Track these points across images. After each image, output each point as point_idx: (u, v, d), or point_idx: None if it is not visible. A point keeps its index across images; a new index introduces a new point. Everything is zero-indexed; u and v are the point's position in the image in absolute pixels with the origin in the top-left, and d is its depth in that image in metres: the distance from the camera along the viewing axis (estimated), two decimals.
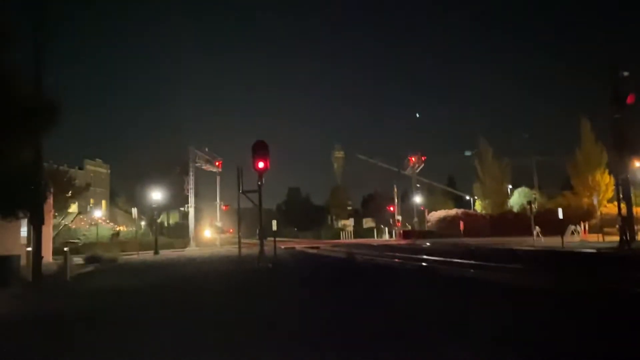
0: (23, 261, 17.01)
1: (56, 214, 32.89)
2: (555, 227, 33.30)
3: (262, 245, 21.66)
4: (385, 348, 5.70)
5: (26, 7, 16.14)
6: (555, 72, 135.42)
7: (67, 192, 35.71)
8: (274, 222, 33.65)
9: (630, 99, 25.08)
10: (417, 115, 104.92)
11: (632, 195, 28.00)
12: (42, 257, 16.27)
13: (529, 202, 36.37)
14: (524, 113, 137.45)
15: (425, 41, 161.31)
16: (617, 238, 26.26)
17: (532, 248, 26.78)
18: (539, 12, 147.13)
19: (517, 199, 55.73)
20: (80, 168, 60.57)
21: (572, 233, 36.63)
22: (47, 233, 24.58)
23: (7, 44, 13.81)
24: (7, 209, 15.98)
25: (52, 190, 24.77)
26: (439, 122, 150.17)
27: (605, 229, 33.54)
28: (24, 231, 22.27)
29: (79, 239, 38.30)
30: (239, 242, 29.69)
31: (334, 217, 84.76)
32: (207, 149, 54.39)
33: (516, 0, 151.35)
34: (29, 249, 16.85)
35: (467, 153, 62.77)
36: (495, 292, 10.28)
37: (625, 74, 25.72)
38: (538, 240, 32.81)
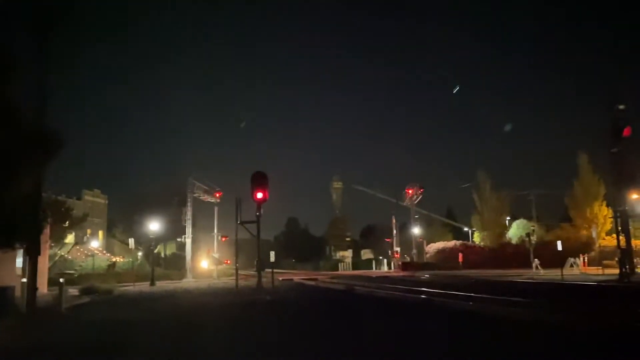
0: (18, 292, 16.80)
1: (53, 244, 32.70)
2: (554, 259, 33.22)
3: (260, 277, 21.52)
4: None
5: (29, 40, 16.37)
6: (553, 105, 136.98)
7: (65, 223, 35.62)
8: (272, 254, 33.46)
9: (626, 132, 25.36)
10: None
11: (630, 227, 28.01)
12: (37, 289, 16.07)
13: (528, 234, 36.39)
14: (523, 145, 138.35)
15: (425, 71, 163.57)
16: (616, 271, 26.14)
17: (532, 281, 26.60)
18: (536, 45, 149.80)
19: (515, 230, 55.64)
20: (79, 198, 60.43)
21: (572, 265, 36.48)
22: (43, 264, 24.35)
23: (9, 76, 13.96)
24: (4, 239, 15.87)
25: (49, 220, 24.69)
26: (438, 153, 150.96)
27: (605, 262, 33.42)
28: (19, 262, 22.06)
29: (75, 270, 37.96)
30: (237, 274, 29.45)
31: (332, 248, 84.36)
32: (205, 180, 54.45)
33: (515, 34, 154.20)
34: (24, 279, 16.65)
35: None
36: (497, 326, 10.17)
37: (622, 107, 26.07)
38: (537, 272, 32.66)
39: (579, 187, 51.51)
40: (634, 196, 30.35)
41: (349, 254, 72.53)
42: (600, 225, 47.69)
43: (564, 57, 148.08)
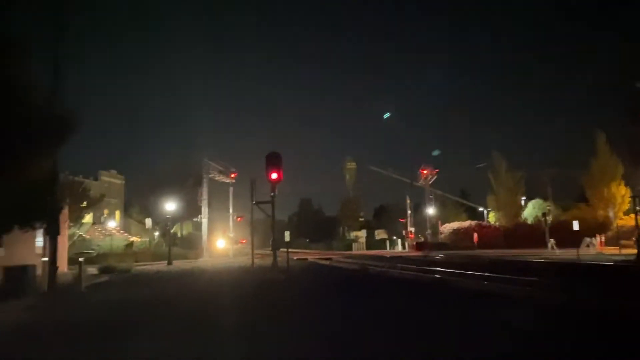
0: (38, 271, 17.17)
1: (71, 224, 33.25)
2: (569, 239, 32.96)
3: (275, 256, 21.69)
4: None
5: (46, 19, 16.43)
6: (571, 84, 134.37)
7: (82, 203, 36.13)
8: (287, 233, 33.68)
9: None
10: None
11: None
12: (57, 268, 16.43)
13: (544, 214, 36.14)
14: (539, 124, 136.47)
15: (441, 52, 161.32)
16: (634, 250, 25.90)
17: (547, 260, 26.48)
18: (554, 25, 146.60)
19: (531, 210, 55.23)
20: (96, 179, 61.15)
21: (588, 245, 36.21)
22: (62, 243, 24.83)
23: (25, 56, 14.06)
24: (24, 219, 16.18)
25: (67, 201, 25.09)
26: (454, 134, 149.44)
27: (622, 242, 33.09)
28: (39, 241, 22.52)
29: (93, 249, 38.64)
30: (252, 253, 29.72)
31: (345, 229, 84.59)
32: (220, 161, 54.75)
33: (532, 14, 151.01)
34: (45, 259, 17.00)
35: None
36: (512, 306, 10.16)
37: None
38: (553, 252, 32.49)
39: (596, 167, 50.72)
40: None
41: (362, 233, 72.64)
42: (617, 205, 47.12)
43: (581, 33, 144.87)
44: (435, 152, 71.18)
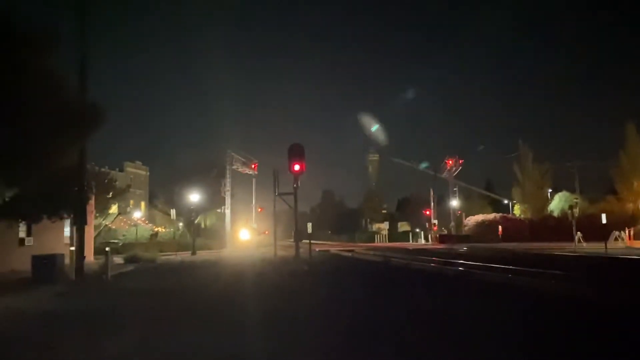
0: (66, 260, 17.54)
1: (97, 214, 33.84)
2: (598, 233, 32.23)
3: (297, 247, 21.76)
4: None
5: (73, 13, 16.65)
6: (602, 75, 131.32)
7: (108, 194, 36.72)
8: (309, 225, 33.74)
9: None
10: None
11: None
12: (84, 257, 16.76)
13: (571, 207, 35.39)
14: (568, 115, 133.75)
15: (468, 44, 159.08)
16: None
17: (574, 254, 25.98)
18: (583, 14, 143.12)
19: (557, 203, 54.23)
20: (121, 170, 62.15)
21: (616, 239, 35.42)
22: (89, 233, 25.31)
23: (53, 49, 14.29)
24: (52, 210, 16.53)
25: (94, 191, 25.54)
26: (478, 126, 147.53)
27: None
28: (66, 231, 23.01)
29: (119, 239, 39.29)
30: (275, 244, 29.88)
31: (368, 221, 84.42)
32: (243, 152, 55.09)
33: (559, 4, 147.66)
34: (72, 248, 17.35)
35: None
36: (536, 301, 10.00)
37: None
38: (580, 245, 31.87)
39: (625, 158, 49.48)
40: None
41: (385, 225, 72.33)
42: None
43: (610, 23, 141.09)
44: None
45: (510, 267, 16.79)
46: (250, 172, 56.83)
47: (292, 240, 25.42)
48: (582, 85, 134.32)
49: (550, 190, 57.60)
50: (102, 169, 41.46)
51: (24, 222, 20.08)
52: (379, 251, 35.41)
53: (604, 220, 32.94)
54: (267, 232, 59.92)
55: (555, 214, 53.08)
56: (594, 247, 29.28)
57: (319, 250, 35.49)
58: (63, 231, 23.39)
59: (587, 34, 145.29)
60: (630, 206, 47.00)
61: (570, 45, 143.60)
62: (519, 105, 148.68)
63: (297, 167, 19.95)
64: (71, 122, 14.13)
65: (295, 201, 21.36)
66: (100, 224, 37.43)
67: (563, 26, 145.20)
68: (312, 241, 27.29)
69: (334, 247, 46.74)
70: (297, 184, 20.76)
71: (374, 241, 65.76)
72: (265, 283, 14.83)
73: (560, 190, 56.56)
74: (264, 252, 36.98)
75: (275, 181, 25.10)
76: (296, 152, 20.17)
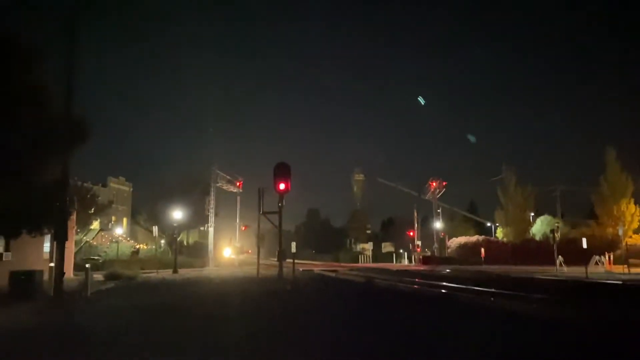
0: (45, 276, 17.23)
1: (78, 230, 33.39)
2: (578, 257, 32.62)
3: (281, 267, 21.64)
4: None
5: (57, 28, 16.62)
6: (582, 99, 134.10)
7: (90, 209, 36.31)
8: (293, 244, 33.61)
9: None
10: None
11: None
12: (64, 273, 16.47)
13: (552, 231, 35.78)
14: (550, 140, 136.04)
15: (449, 67, 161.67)
16: None
17: (555, 278, 26.20)
18: (564, 38, 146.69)
19: (539, 227, 54.79)
20: (104, 185, 61.55)
21: (596, 263, 35.84)
22: (69, 249, 24.92)
23: (37, 63, 14.24)
24: (32, 224, 16.28)
25: (76, 206, 25.24)
26: (462, 149, 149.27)
27: (631, 260, 32.73)
28: (46, 246, 22.64)
29: (99, 255, 38.72)
30: (258, 263, 29.67)
31: (352, 240, 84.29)
32: (228, 170, 54.99)
33: (542, 27, 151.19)
34: (52, 264, 17.07)
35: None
36: (518, 324, 10.06)
37: None
38: (561, 269, 32.17)
39: (606, 184, 50.37)
40: None
41: (369, 246, 72.29)
42: (627, 224, 46.67)
43: (593, 50, 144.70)
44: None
45: (492, 290, 16.89)
46: (235, 190, 56.65)
47: (276, 259, 25.30)
48: (564, 112, 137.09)
49: (532, 214, 58.25)
50: (85, 184, 41.02)
51: (2, 237, 19.72)
52: (363, 272, 35.34)
53: (584, 245, 33.37)
54: (250, 251, 59.57)
55: (537, 237, 53.60)
56: (574, 271, 29.57)
57: (303, 270, 35.31)
58: (42, 246, 23.00)
59: (570, 60, 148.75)
60: (610, 231, 47.66)
61: (554, 72, 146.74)
62: (504, 129, 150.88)
63: (282, 186, 19.96)
64: (55, 137, 14.02)
65: (280, 220, 21.31)
66: (81, 240, 36.90)
67: (547, 50, 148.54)
68: (296, 261, 27.16)
69: (318, 267, 46.54)
70: (282, 203, 20.74)
71: (357, 261, 65.62)
72: (247, 304, 14.71)
73: (543, 214, 57.22)
74: (247, 270, 36.66)
75: (260, 199, 25.02)
76: (282, 171, 20.21)
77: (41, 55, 14.40)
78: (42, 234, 18.57)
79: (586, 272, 27.30)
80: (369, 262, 64.16)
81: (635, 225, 46.10)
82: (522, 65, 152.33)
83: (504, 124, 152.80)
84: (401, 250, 65.50)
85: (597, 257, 36.35)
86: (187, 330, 9.31)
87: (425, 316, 11.37)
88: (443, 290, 18.34)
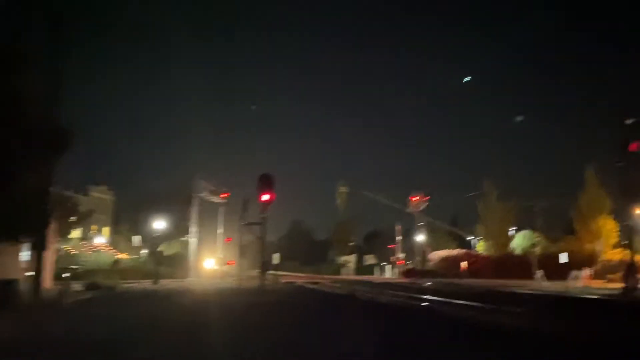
0: (22, 286, 16.97)
1: (58, 239, 32.92)
2: (558, 271, 33.08)
3: (263, 279, 21.57)
4: None
5: (42, 36, 16.55)
6: (562, 116, 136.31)
7: (71, 218, 35.85)
8: (276, 256, 33.56)
9: (633, 147, 25.27)
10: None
11: (635, 242, 27.90)
12: (42, 283, 16.26)
13: (533, 245, 36.29)
14: (530, 156, 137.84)
15: (432, 80, 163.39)
16: (620, 285, 26.04)
17: (534, 292, 26.49)
18: (544, 54, 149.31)
19: (520, 241, 55.37)
20: (85, 194, 60.72)
21: (576, 277, 36.36)
22: (49, 258, 24.53)
23: (20, 71, 14.16)
24: (12, 233, 16.07)
25: (56, 215, 24.92)
26: (445, 163, 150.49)
27: (609, 275, 33.27)
28: (24, 255, 22.27)
29: (79, 265, 38.20)
30: (240, 275, 29.55)
31: (335, 252, 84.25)
32: (212, 180, 54.75)
33: (522, 42, 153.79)
34: (29, 273, 16.83)
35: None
36: (498, 337, 10.18)
37: (629, 121, 26.03)
38: (541, 283, 32.56)
39: (584, 200, 51.22)
40: (639, 211, 30.21)
41: (352, 258, 72.46)
42: (605, 239, 47.44)
43: (572, 68, 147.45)
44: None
45: (473, 303, 17.05)
46: (219, 201, 56.39)
47: (259, 270, 25.25)
48: (545, 130, 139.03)
49: (513, 228, 58.88)
50: (66, 192, 40.52)
51: None
52: (345, 284, 35.35)
53: (563, 260, 33.87)
54: (232, 262, 59.17)
55: (518, 251, 54.15)
56: (554, 286, 29.93)
57: (285, 282, 35.20)
58: (19, 255, 22.62)
59: (550, 78, 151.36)
60: (588, 246, 48.38)
61: (533, 83, 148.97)
62: (485, 145, 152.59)
63: (266, 197, 19.95)
64: (36, 145, 13.92)
65: (263, 231, 21.30)
66: (60, 249, 36.37)
67: (527, 66, 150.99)
68: (278, 272, 27.13)
69: (301, 278, 46.41)
70: (265, 214, 20.73)
71: (340, 273, 65.63)
72: (226, 316, 14.63)
73: (523, 228, 57.85)
74: (229, 282, 36.41)
75: (243, 210, 25.00)
76: (266, 182, 20.20)
77: (23, 62, 14.32)
78: (21, 243, 18.33)
79: (565, 287, 27.67)
80: (352, 275, 64.22)
81: (612, 240, 46.87)
82: (501, 78, 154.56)
83: (485, 139, 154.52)
84: (384, 263, 65.71)
85: (575, 272, 36.90)
86: (166, 343, 9.26)
87: (405, 330, 11.43)
88: (424, 304, 18.46)
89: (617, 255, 40.82)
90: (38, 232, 16.06)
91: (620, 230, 44.85)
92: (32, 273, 16.37)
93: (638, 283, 26.17)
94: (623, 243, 27.58)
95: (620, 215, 28.13)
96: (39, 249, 16.17)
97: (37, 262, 16.08)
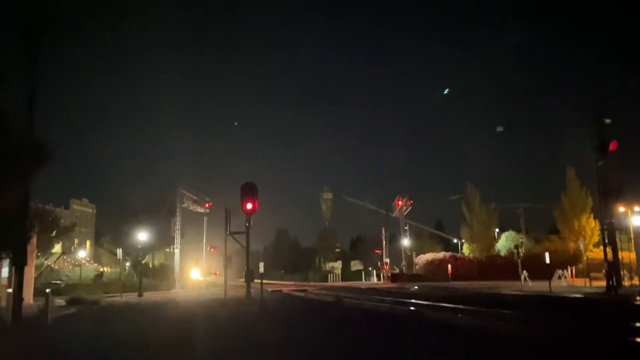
0: (2, 302, 16.63)
1: (39, 254, 32.36)
2: (542, 271, 33.33)
3: (248, 288, 21.39)
4: None
5: (17, 49, 16.29)
6: (542, 117, 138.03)
7: (52, 232, 35.24)
8: (261, 264, 33.31)
9: (612, 146, 25.67)
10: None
11: (617, 240, 28.27)
12: (22, 299, 15.91)
13: (516, 247, 36.57)
14: (512, 158, 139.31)
15: (416, 86, 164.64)
16: (604, 283, 26.35)
17: (520, 293, 26.71)
18: (522, 57, 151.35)
19: (504, 242, 55.82)
20: (66, 207, 59.95)
21: (559, 277, 36.72)
22: (29, 274, 24.11)
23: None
24: None
25: (36, 230, 24.50)
26: (427, 166, 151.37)
27: (592, 274, 33.65)
28: (4, 272, 21.83)
29: (61, 280, 37.61)
30: (225, 285, 29.30)
31: (321, 259, 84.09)
32: (195, 190, 54.38)
33: (501, 45, 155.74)
34: (10, 290, 16.48)
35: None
36: (485, 341, 10.22)
37: (608, 121, 26.43)
38: (526, 284, 32.79)
39: (566, 200, 51.97)
40: (621, 209, 30.68)
41: (338, 265, 72.28)
42: (587, 238, 48.06)
43: (550, 70, 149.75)
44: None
45: (459, 306, 17.10)
46: (202, 211, 56.01)
47: (244, 280, 25.04)
48: (527, 130, 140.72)
49: (497, 230, 59.38)
50: (46, 206, 39.85)
51: None
52: (332, 291, 35.27)
53: (547, 260, 34.16)
54: (216, 273, 58.70)
55: (502, 253, 54.58)
56: (539, 286, 30.18)
57: (272, 291, 35.01)
58: (0, 272, 22.19)
59: (533, 81, 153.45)
60: (571, 245, 48.99)
61: (514, 87, 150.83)
62: (467, 148, 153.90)
63: (249, 206, 19.84)
64: (14, 159, 13.68)
65: (247, 241, 21.13)
66: (42, 264, 35.74)
67: (511, 69, 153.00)
68: (264, 281, 26.91)
69: (287, 287, 46.21)
70: (249, 223, 20.60)
71: (327, 280, 65.45)
72: (213, 329, 14.47)
73: (507, 230, 58.38)
74: (214, 292, 36.11)
75: (227, 220, 24.77)
76: (249, 191, 20.10)
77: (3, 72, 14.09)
78: (0, 259, 17.97)
79: (550, 287, 27.92)
80: (338, 281, 64.09)
81: (595, 239, 47.46)
82: (482, 81, 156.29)
83: (466, 141, 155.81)
84: (370, 268, 65.69)
85: (560, 272, 37.26)
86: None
87: (393, 336, 11.42)
88: (411, 308, 18.46)
89: (599, 254, 41.30)
90: (17, 247, 15.71)
91: (601, 229, 45.45)
92: (12, 290, 16.00)
93: (620, 281, 26.57)
94: (604, 242, 27.89)
95: (602, 213, 28.43)
96: (18, 264, 15.81)
97: (17, 278, 15.72)
